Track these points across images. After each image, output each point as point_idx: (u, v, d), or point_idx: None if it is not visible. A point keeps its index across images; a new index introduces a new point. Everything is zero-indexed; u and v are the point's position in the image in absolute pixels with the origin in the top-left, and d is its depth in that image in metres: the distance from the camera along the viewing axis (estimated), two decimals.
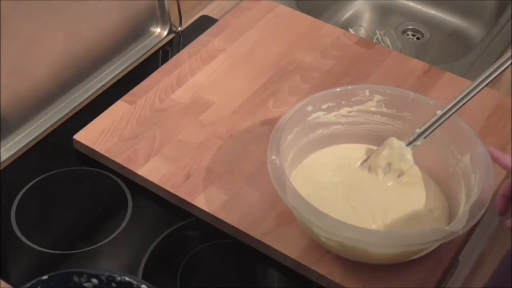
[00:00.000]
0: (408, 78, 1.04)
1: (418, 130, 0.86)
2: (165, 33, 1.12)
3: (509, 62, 0.81)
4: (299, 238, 0.84)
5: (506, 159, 0.78)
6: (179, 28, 1.13)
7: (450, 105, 0.84)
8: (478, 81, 0.83)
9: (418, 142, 0.86)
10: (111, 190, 0.91)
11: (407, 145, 0.86)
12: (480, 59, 1.14)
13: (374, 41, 1.29)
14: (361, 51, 1.08)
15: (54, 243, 0.85)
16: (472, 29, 1.35)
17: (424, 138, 0.85)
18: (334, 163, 0.90)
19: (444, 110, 0.84)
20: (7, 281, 0.81)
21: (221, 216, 0.86)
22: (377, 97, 0.90)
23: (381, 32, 1.32)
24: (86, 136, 0.94)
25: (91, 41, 1.01)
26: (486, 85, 0.83)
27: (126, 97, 0.99)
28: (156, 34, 1.12)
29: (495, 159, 0.80)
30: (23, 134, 0.96)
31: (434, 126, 0.85)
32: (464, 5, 1.35)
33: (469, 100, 0.83)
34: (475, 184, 0.80)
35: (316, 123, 0.89)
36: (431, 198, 0.87)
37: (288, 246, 0.83)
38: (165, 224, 0.88)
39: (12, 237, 0.85)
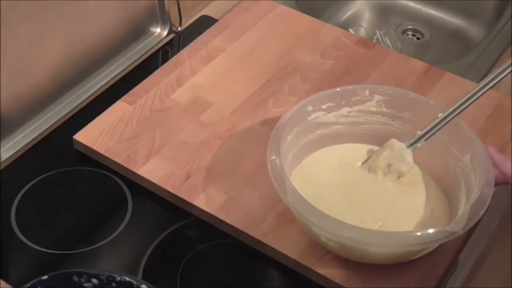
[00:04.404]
0: (408, 78, 1.04)
1: (419, 132, 0.85)
2: (165, 33, 1.12)
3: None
4: (299, 238, 0.84)
5: (506, 165, 0.78)
6: (179, 28, 1.13)
7: (452, 109, 0.84)
8: (481, 85, 0.82)
9: (419, 144, 0.86)
10: (111, 190, 0.91)
11: (408, 146, 0.86)
12: (480, 59, 1.14)
13: (374, 41, 1.29)
14: (361, 51, 1.08)
15: (54, 243, 0.85)
16: (472, 29, 1.35)
17: (425, 140, 0.85)
18: (334, 163, 0.90)
19: (446, 113, 0.84)
20: (7, 281, 0.81)
21: (221, 216, 0.86)
22: (377, 97, 0.90)
23: (381, 32, 1.32)
24: (86, 136, 0.94)
25: (91, 41, 1.01)
26: (489, 89, 0.83)
27: (126, 97, 0.99)
28: (156, 34, 1.12)
29: (495, 164, 0.80)
30: (23, 134, 0.96)
31: (436, 129, 0.85)
32: (464, 5, 1.35)
33: (471, 103, 0.83)
34: (475, 184, 0.80)
35: (316, 123, 0.89)
36: (432, 198, 0.87)
37: (288, 246, 0.83)
38: (165, 224, 0.88)
39: (12, 237, 0.85)
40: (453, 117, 0.84)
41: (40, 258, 0.84)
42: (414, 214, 0.85)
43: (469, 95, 0.83)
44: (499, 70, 0.82)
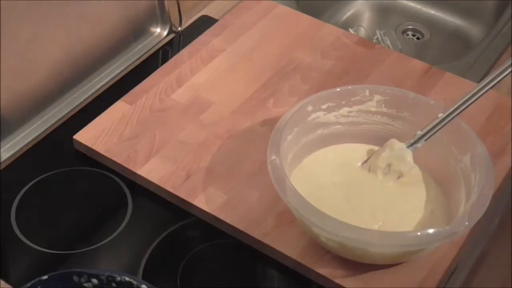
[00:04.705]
0: (408, 78, 1.04)
1: (420, 133, 0.85)
2: (165, 33, 1.12)
3: None
4: (299, 238, 0.84)
5: None
6: (179, 28, 1.13)
7: (452, 109, 0.84)
8: (481, 85, 0.82)
9: (419, 144, 0.86)
10: (111, 190, 0.91)
11: (408, 147, 0.86)
12: (480, 59, 1.14)
13: (374, 41, 1.29)
14: (361, 51, 1.08)
15: (54, 243, 0.85)
16: (472, 29, 1.35)
17: (425, 140, 0.85)
18: (334, 163, 0.90)
19: (446, 113, 0.84)
20: (7, 281, 0.81)
21: (221, 216, 0.86)
22: (377, 97, 0.90)
23: (381, 32, 1.32)
24: (86, 136, 0.94)
25: (91, 41, 1.01)
26: (489, 89, 0.83)
27: (126, 97, 0.99)
28: (156, 34, 1.12)
29: None
30: (23, 134, 0.96)
31: (436, 129, 0.85)
32: (464, 5, 1.35)
33: (471, 104, 0.83)
34: (475, 184, 0.80)
35: (316, 123, 0.89)
36: (432, 198, 0.87)
37: (288, 246, 0.83)
38: (165, 224, 0.88)
39: (12, 237, 0.85)
40: (453, 117, 0.84)
41: (40, 258, 0.84)
42: (414, 214, 0.85)
43: (469, 95, 0.83)
44: (499, 71, 0.82)
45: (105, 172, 0.93)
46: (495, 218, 0.91)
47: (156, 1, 1.10)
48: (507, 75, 0.82)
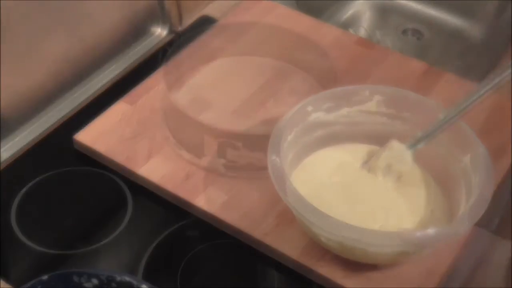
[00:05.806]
0: (408, 78, 1.04)
1: (420, 134, 0.85)
2: (165, 33, 1.12)
3: None
4: (299, 238, 0.84)
5: None
6: (179, 28, 1.13)
7: (453, 110, 0.83)
8: (482, 84, 0.82)
9: (419, 145, 0.86)
10: (111, 190, 0.91)
11: (408, 147, 0.86)
12: (480, 59, 1.14)
13: (374, 41, 1.29)
14: (361, 51, 1.08)
15: (54, 243, 0.85)
16: (472, 29, 1.35)
17: (426, 141, 0.85)
18: (334, 163, 0.90)
19: (448, 117, 0.84)
20: (7, 281, 0.81)
21: (221, 216, 0.86)
22: (377, 97, 0.90)
23: (381, 32, 1.32)
24: (86, 136, 0.94)
25: (91, 41, 1.01)
26: (491, 89, 0.82)
27: (126, 97, 0.99)
28: (156, 34, 1.12)
29: None
30: (23, 134, 0.96)
31: (436, 131, 0.84)
32: (464, 5, 1.35)
33: (472, 104, 0.83)
34: (475, 184, 0.80)
35: (316, 123, 0.89)
36: (432, 199, 0.87)
37: (288, 246, 0.83)
38: (165, 224, 0.88)
39: (12, 237, 0.85)
40: (455, 119, 0.84)
41: (40, 258, 0.84)
42: (414, 214, 0.85)
43: (469, 95, 0.83)
44: (501, 71, 0.82)
45: (105, 172, 0.93)
46: (495, 218, 0.91)
47: (156, 1, 1.10)
48: (507, 74, 0.82)
